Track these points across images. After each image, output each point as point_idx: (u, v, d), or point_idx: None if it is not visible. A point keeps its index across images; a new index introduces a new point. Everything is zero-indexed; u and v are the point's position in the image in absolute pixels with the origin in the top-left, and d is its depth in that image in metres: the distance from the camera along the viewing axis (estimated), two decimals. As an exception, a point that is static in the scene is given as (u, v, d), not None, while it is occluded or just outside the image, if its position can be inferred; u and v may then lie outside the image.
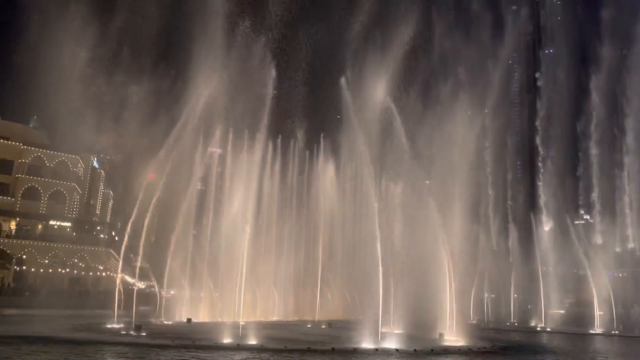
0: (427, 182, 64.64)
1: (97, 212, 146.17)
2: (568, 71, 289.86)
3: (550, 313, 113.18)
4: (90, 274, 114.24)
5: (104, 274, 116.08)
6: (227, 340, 47.12)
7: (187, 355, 37.72)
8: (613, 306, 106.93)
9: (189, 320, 71.99)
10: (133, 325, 54.54)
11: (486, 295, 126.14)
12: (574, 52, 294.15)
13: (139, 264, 70.95)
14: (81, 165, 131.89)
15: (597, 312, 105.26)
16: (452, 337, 56.55)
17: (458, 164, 65.22)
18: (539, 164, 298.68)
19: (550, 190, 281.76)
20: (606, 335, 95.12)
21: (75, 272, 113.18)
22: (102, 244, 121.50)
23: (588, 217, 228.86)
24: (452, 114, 69.85)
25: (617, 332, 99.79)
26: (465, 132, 67.35)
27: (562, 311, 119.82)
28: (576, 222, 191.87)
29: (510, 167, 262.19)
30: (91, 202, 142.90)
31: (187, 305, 77.95)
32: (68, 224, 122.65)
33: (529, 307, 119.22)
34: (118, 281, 66.57)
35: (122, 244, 69.26)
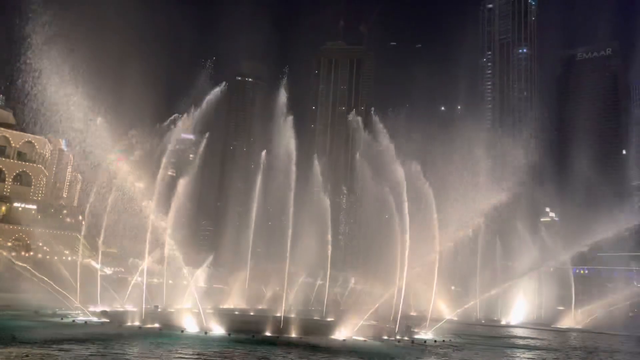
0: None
1: (64, 195, 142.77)
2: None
3: (514, 307, 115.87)
4: (55, 258, 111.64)
5: (69, 258, 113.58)
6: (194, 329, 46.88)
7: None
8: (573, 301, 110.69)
9: (156, 307, 71.05)
10: (99, 312, 53.70)
11: (452, 288, 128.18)
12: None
13: (106, 250, 69.71)
14: (49, 147, 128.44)
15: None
16: (420, 330, 57.52)
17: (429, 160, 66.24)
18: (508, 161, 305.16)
19: (518, 187, 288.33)
20: (569, 329, 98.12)
21: (39, 255, 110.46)
22: (68, 229, 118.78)
23: (553, 214, 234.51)
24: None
25: (579, 326, 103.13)
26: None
27: (523, 306, 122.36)
28: (541, 219, 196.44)
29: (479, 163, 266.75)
30: (58, 185, 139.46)
31: (156, 292, 76.81)
32: (33, 207, 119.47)
33: (494, 300, 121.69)
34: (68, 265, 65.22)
35: (89, 229, 67.94)
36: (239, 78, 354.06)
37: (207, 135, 72.80)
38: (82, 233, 70.92)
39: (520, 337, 72.62)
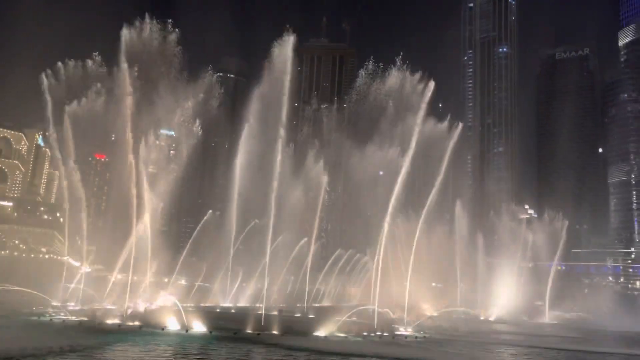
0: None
1: (41, 192, 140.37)
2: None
3: (494, 303, 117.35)
4: (32, 256, 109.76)
5: (47, 256, 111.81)
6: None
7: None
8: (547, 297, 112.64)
9: (136, 304, 70.22)
10: (77, 310, 52.89)
11: (433, 284, 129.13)
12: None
13: (86, 247, 68.63)
14: (25, 142, 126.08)
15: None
16: (402, 326, 57.91)
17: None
18: (489, 158, 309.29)
19: (498, 184, 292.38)
20: (547, 324, 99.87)
21: (15, 253, 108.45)
22: (45, 226, 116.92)
23: (532, 211, 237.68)
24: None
25: (556, 321, 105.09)
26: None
27: (503, 301, 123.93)
28: (521, 216, 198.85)
29: (460, 160, 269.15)
30: (35, 181, 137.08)
31: (136, 289, 75.85)
32: (9, 204, 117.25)
33: (474, 296, 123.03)
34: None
35: (67, 226, 66.94)
36: (220, 74, 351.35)
37: (198, 125, 72.05)
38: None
39: (499, 332, 73.60)
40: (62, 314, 52.02)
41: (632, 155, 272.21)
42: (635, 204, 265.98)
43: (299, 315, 77.13)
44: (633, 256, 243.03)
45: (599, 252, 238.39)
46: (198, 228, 78.51)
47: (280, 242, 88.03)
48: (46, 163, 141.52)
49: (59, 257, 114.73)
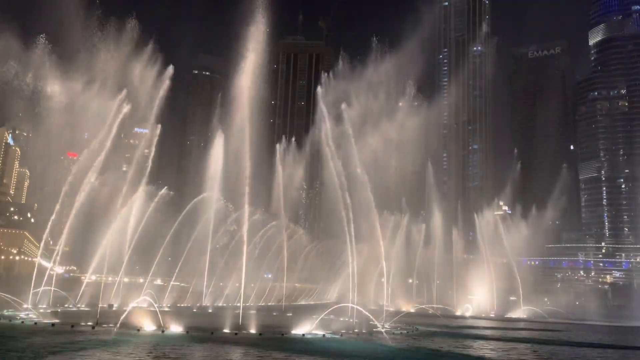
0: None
1: (11, 192, 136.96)
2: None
3: (469, 299, 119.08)
4: (2, 257, 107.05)
5: (17, 257, 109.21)
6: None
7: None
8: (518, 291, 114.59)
9: (110, 306, 69.21)
10: (49, 312, 51.76)
11: (410, 281, 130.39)
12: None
13: (58, 248, 67.24)
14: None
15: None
16: (379, 322, 58.21)
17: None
18: (464, 155, 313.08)
19: (473, 181, 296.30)
20: (520, 319, 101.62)
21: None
22: (16, 226, 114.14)
23: (506, 208, 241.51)
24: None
25: (529, 316, 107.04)
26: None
27: (478, 297, 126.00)
28: (495, 212, 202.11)
29: (436, 157, 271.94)
30: (4, 181, 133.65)
31: (110, 290, 74.74)
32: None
33: (450, 293, 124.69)
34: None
35: (38, 227, 65.50)
36: (196, 72, 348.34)
37: (159, 127, 71.55)
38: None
39: (474, 327, 74.65)
40: (34, 316, 50.82)
41: (602, 152, 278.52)
42: (605, 200, 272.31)
43: (276, 313, 77.05)
44: (604, 251, 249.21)
45: (571, 247, 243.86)
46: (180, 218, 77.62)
47: (258, 239, 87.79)
48: (16, 162, 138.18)
49: (30, 259, 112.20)
